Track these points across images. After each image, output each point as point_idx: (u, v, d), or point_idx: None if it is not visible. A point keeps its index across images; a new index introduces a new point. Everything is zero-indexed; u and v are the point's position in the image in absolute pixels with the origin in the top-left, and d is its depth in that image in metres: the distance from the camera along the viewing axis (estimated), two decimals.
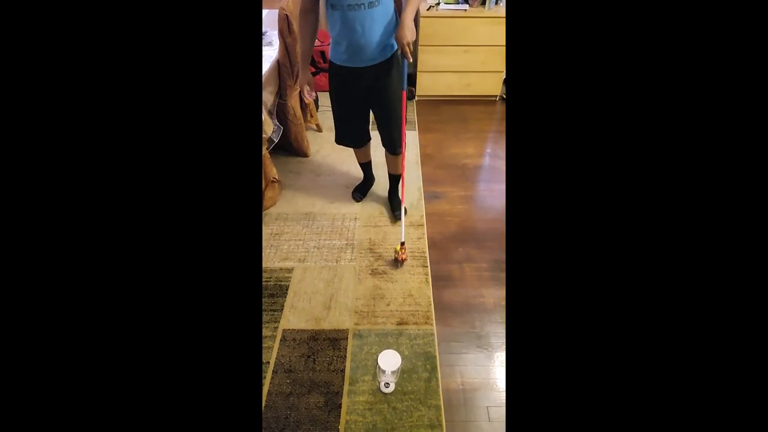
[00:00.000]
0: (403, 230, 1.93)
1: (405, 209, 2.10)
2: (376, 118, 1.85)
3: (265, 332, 1.60)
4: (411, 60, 1.60)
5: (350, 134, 1.95)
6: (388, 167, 2.10)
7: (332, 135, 2.86)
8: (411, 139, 2.73)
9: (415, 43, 2.98)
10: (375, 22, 1.51)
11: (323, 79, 2.87)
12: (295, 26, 1.97)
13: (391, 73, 1.66)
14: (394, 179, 2.13)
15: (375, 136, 2.00)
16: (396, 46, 1.62)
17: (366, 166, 2.21)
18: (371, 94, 1.71)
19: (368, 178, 2.27)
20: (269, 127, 2.04)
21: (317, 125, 2.77)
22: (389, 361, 1.37)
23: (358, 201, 2.23)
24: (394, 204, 2.15)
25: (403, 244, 1.89)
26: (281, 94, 2.23)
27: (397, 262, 1.89)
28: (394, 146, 1.90)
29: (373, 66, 1.62)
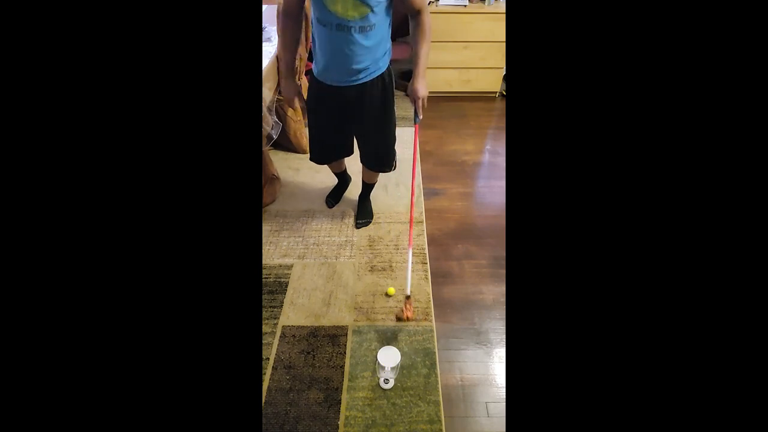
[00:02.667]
0: (408, 281, 1.54)
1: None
2: (356, 135, 1.74)
3: (265, 329, 1.61)
4: (422, 116, 1.53)
5: (327, 154, 1.83)
6: (363, 176, 2.00)
7: None
8: (410, 135, 2.72)
9: None
10: (364, 47, 1.38)
11: None
12: None
13: (377, 93, 1.53)
14: (368, 187, 2.06)
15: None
16: (386, 66, 1.51)
17: (341, 174, 2.13)
18: (353, 111, 1.57)
19: (343, 182, 2.18)
20: (268, 123, 2.04)
21: None
22: (389, 357, 1.37)
23: (330, 207, 2.13)
24: (361, 211, 2.06)
25: (408, 298, 1.55)
26: (280, 91, 2.22)
27: (399, 320, 1.59)
28: (380, 165, 1.81)
29: (358, 85, 1.49)
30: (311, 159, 1.86)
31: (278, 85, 2.19)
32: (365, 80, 1.48)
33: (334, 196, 2.17)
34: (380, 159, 1.79)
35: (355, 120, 1.62)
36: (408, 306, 1.54)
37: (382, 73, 1.52)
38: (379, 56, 1.46)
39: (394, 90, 1.59)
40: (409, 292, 1.56)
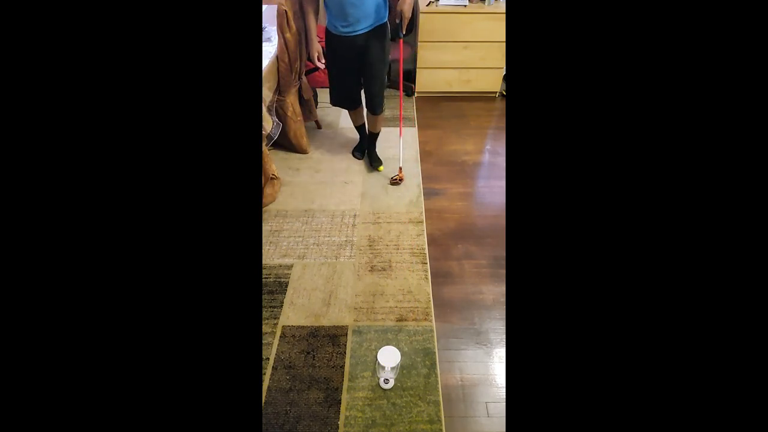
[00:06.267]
0: (401, 157, 2.38)
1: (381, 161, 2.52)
2: (363, 78, 2.14)
3: (265, 329, 1.61)
4: (404, 33, 1.97)
5: (344, 96, 2.26)
6: (367, 125, 2.45)
7: (331, 132, 2.87)
8: (410, 136, 2.73)
9: (414, 39, 2.99)
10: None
11: (321, 75, 2.86)
12: (294, 22, 1.99)
13: (377, 41, 1.97)
14: (373, 136, 2.46)
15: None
16: (384, 18, 1.97)
17: (361, 128, 2.51)
18: (360, 57, 2.01)
19: (364, 138, 2.56)
20: (268, 123, 2.04)
21: (316, 122, 2.77)
22: (389, 357, 1.37)
23: (359, 159, 2.53)
24: (372, 158, 2.51)
25: (401, 168, 2.34)
26: (280, 91, 2.22)
27: (395, 181, 2.31)
28: (374, 107, 2.23)
29: (364, 33, 1.93)
30: (332, 103, 2.33)
31: (278, 85, 2.19)
32: (371, 28, 1.92)
33: (359, 149, 2.56)
34: (374, 100, 2.21)
35: (362, 62, 2.04)
36: (400, 172, 2.34)
37: (383, 23, 1.96)
38: (381, 5, 1.90)
39: (389, 43, 2.06)
40: (401, 164, 2.37)
